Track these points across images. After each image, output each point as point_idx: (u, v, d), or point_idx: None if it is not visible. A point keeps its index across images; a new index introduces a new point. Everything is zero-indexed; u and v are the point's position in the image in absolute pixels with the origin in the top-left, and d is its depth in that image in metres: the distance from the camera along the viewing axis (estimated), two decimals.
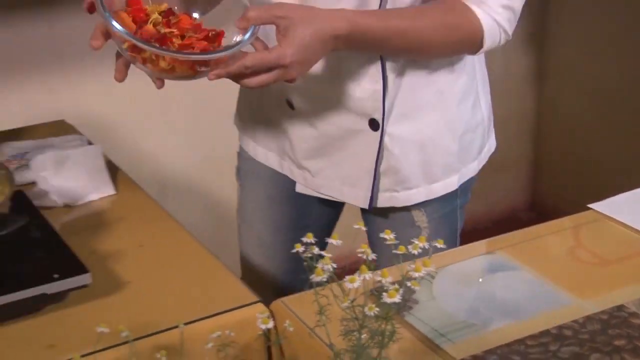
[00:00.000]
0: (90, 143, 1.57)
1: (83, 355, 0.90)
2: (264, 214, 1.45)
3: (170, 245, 1.30)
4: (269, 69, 1.08)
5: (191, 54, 1.07)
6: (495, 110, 1.39)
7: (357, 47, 1.16)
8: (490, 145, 1.42)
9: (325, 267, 0.81)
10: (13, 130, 1.62)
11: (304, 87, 1.27)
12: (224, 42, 1.11)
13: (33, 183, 1.39)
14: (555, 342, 0.99)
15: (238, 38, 1.10)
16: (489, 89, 1.40)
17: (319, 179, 1.34)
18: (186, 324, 1.00)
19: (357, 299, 0.80)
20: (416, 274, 0.79)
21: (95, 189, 1.40)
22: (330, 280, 0.82)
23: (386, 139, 1.27)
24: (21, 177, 1.37)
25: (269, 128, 1.37)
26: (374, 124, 1.26)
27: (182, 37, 1.10)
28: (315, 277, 0.80)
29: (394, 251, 0.85)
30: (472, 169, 1.37)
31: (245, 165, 1.45)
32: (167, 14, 1.12)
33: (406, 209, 1.33)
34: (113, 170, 1.47)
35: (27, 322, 1.08)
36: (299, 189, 1.37)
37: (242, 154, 1.46)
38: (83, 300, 1.11)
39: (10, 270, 1.10)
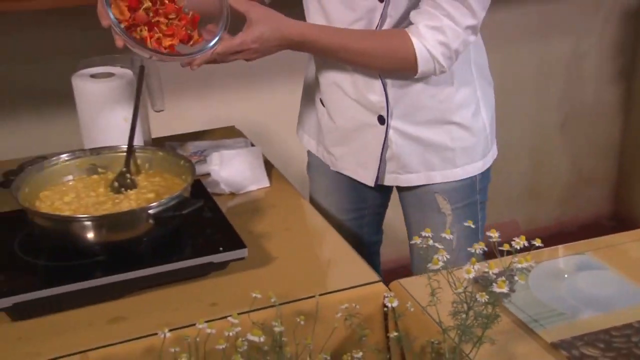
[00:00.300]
0: (252, 145, 1.59)
1: (239, 313, 0.90)
2: (329, 200, 1.47)
3: (310, 230, 1.29)
4: (234, 52, 1.13)
5: (171, 55, 1.10)
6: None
7: (309, 51, 1.22)
8: (494, 151, 1.39)
9: (440, 257, 0.77)
10: (195, 132, 1.65)
11: (331, 91, 1.33)
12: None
13: (208, 174, 1.41)
14: (638, 334, 0.91)
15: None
16: (493, 102, 1.38)
17: (341, 162, 1.39)
18: (320, 295, 0.98)
19: (468, 286, 0.76)
20: (519, 265, 0.75)
21: (254, 182, 1.41)
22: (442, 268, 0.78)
23: (390, 132, 1.30)
24: (199, 169, 1.39)
25: (311, 122, 1.44)
26: (381, 120, 1.29)
27: (168, 20, 1.12)
28: (432, 266, 0.77)
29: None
30: (476, 167, 1.34)
31: (312, 161, 1.51)
32: (156, 1, 1.12)
33: (431, 195, 1.34)
34: (269, 167, 1.47)
35: (196, 284, 1.09)
36: (331, 167, 1.42)
37: (309, 151, 1.50)
38: (240, 270, 1.11)
39: (187, 242, 1.12)
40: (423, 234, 0.84)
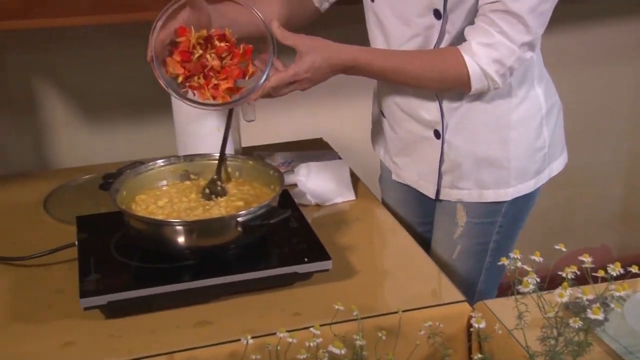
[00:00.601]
0: (339, 158, 1.59)
1: (321, 325, 0.90)
2: (398, 213, 1.45)
3: (394, 244, 1.28)
4: (288, 84, 1.14)
5: (222, 104, 1.12)
6: None
7: (361, 74, 1.20)
8: (552, 169, 1.34)
9: (530, 280, 0.75)
10: (283, 143, 1.67)
11: (388, 104, 1.34)
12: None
13: (294, 185, 1.42)
14: None
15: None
16: (557, 119, 1.33)
17: (403, 172, 1.39)
18: (404, 311, 0.97)
19: (558, 311, 0.73)
20: (617, 293, 0.72)
21: (339, 194, 1.41)
22: (532, 291, 0.76)
23: (445, 146, 1.29)
24: (286, 180, 1.40)
25: (379, 130, 1.45)
26: (437, 133, 1.29)
27: (221, 58, 1.12)
28: (522, 288, 0.75)
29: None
30: (529, 186, 1.30)
31: (383, 173, 1.51)
32: (207, 40, 1.13)
33: (454, 202, 1.32)
34: (355, 180, 1.47)
35: (280, 293, 1.10)
36: (394, 177, 1.42)
37: (381, 162, 1.51)
38: (324, 281, 1.12)
39: (273, 251, 1.13)
40: (512, 255, 0.82)
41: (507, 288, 0.84)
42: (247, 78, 1.15)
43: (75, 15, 1.43)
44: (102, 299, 1.01)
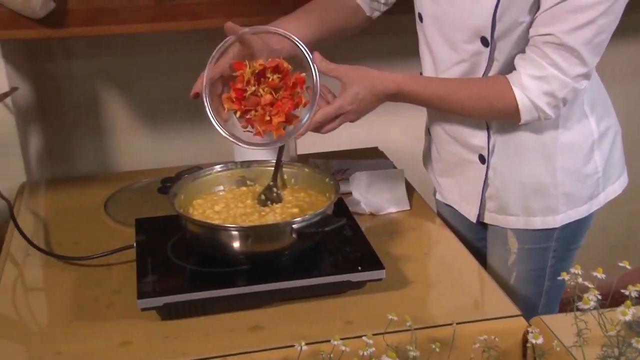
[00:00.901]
0: (394, 167, 1.58)
1: (374, 334, 0.90)
2: (455, 224, 1.43)
3: (448, 256, 1.27)
4: (334, 117, 1.13)
5: (269, 143, 1.13)
6: None
7: (406, 102, 1.19)
8: (608, 193, 1.29)
9: (590, 296, 0.73)
10: (339, 151, 1.67)
11: (434, 124, 1.34)
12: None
13: (349, 193, 1.42)
14: None
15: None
16: (618, 144, 1.29)
17: (446, 192, 1.38)
18: (458, 323, 0.96)
19: (620, 329, 0.71)
20: None
21: (394, 204, 1.40)
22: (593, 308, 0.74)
23: (490, 171, 1.27)
24: (342, 188, 1.40)
25: (426, 150, 1.45)
26: (482, 158, 1.27)
27: (275, 90, 1.13)
28: (582, 305, 0.72)
29: None
30: (580, 212, 1.26)
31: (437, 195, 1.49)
32: (260, 74, 1.13)
33: (504, 229, 1.29)
34: (410, 190, 1.46)
35: (333, 300, 1.10)
36: (438, 197, 1.42)
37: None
38: (377, 290, 1.11)
39: (327, 259, 1.13)
40: (572, 270, 0.79)
41: (566, 304, 0.81)
42: (299, 108, 1.15)
43: (140, 23, 1.46)
44: (158, 301, 1.03)
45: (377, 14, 1.37)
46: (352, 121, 1.16)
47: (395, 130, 1.96)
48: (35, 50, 1.68)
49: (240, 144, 1.13)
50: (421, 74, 1.31)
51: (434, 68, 1.26)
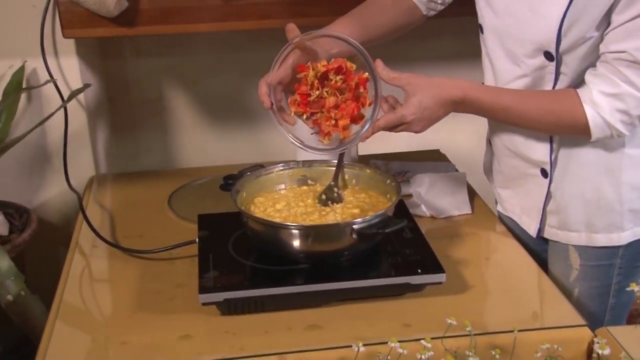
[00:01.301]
0: (456, 170, 1.56)
1: (433, 338, 0.88)
2: (517, 230, 1.37)
3: (510, 261, 1.24)
4: (396, 125, 1.12)
5: (335, 148, 1.15)
6: None
7: (471, 112, 1.15)
8: None
9: None
10: (400, 153, 1.66)
11: (495, 136, 1.29)
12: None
13: (410, 195, 1.41)
14: None
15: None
16: None
17: (506, 204, 1.35)
18: (520, 330, 0.93)
19: None
20: None
21: (455, 207, 1.38)
22: None
23: (552, 186, 1.23)
24: (402, 190, 1.39)
25: (487, 159, 1.42)
26: (544, 172, 1.23)
27: (339, 92, 1.12)
28: None
29: None
30: None
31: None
32: (323, 76, 1.12)
33: (565, 244, 1.24)
34: (472, 193, 1.44)
35: (391, 302, 1.09)
36: (499, 208, 1.38)
37: None
38: (436, 294, 1.10)
39: (386, 260, 1.13)
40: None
41: (635, 316, 0.78)
42: (364, 108, 1.15)
43: (208, 22, 1.48)
44: (219, 296, 1.04)
45: (433, 12, 1.35)
46: (416, 132, 1.14)
47: (458, 132, 1.93)
48: (107, 48, 1.73)
49: (306, 149, 1.15)
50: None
51: (494, 81, 1.23)
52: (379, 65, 1.12)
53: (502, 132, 1.27)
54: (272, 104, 1.14)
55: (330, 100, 1.13)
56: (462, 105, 1.14)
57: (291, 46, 1.13)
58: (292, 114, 1.16)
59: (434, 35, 1.80)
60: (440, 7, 1.35)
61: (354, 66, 1.14)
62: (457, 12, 1.34)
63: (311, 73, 1.14)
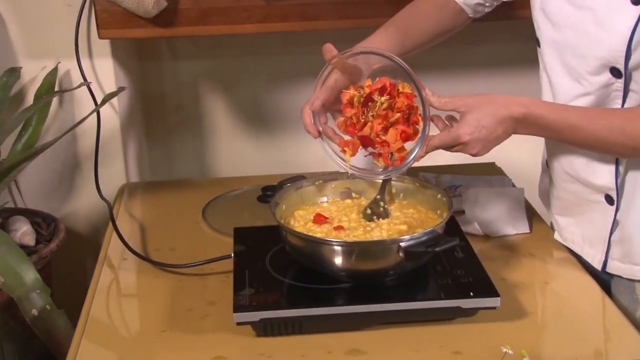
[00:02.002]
0: (513, 185, 1.54)
1: None
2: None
3: (572, 287, 1.21)
4: (451, 146, 1.09)
5: (392, 171, 1.15)
6: None
7: (533, 131, 1.12)
8: None
9: None
10: (451, 165, 1.64)
11: (553, 158, 1.25)
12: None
13: (462, 212, 1.39)
14: None
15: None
16: None
17: (566, 233, 1.30)
18: None
19: None
20: None
21: (512, 226, 1.36)
22: None
23: (619, 214, 1.18)
24: (454, 205, 1.38)
25: (543, 181, 1.38)
26: (609, 199, 1.18)
27: (386, 115, 1.10)
28: None
29: None
30: None
31: None
32: (367, 99, 1.11)
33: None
34: (530, 211, 1.42)
35: (440, 327, 1.07)
36: (556, 237, 1.32)
37: None
38: (489, 320, 1.08)
39: (435, 282, 1.11)
40: None
41: None
42: (418, 125, 1.14)
43: (249, 23, 1.49)
44: (255, 316, 1.04)
45: (479, 15, 1.34)
46: (475, 154, 1.11)
47: (515, 144, 1.90)
48: (143, 50, 1.75)
49: (361, 174, 1.16)
50: None
51: (552, 99, 1.19)
52: (428, 92, 1.11)
53: (561, 155, 1.23)
54: (319, 133, 1.15)
55: (377, 126, 1.12)
56: (523, 124, 1.11)
57: (330, 67, 1.14)
58: (347, 154, 1.15)
59: (482, 39, 1.78)
60: (488, 10, 1.33)
61: (397, 82, 1.13)
62: (508, 14, 1.32)
63: (356, 97, 1.13)
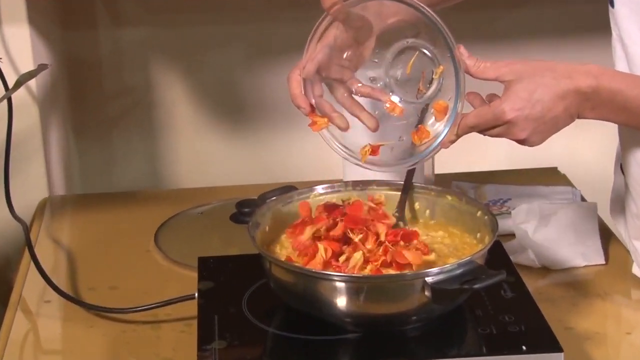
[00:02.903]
0: (583, 199, 1.55)
1: None
2: None
3: None
4: (492, 125, 1.10)
5: (408, 161, 1.18)
6: None
7: (604, 113, 1.13)
8: None
9: None
10: (497, 171, 1.66)
11: (632, 161, 1.26)
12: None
13: (512, 235, 1.41)
14: None
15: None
16: None
17: None
18: None
19: None
20: None
21: (581, 255, 1.38)
22: None
23: None
24: (500, 226, 1.39)
25: (617, 194, 1.40)
26: None
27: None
28: None
29: None
30: None
31: None
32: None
33: None
34: (607, 236, 1.43)
35: None
36: (634, 270, 1.34)
37: None
38: None
39: (475, 331, 1.12)
40: None
41: None
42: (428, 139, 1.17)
43: None
44: None
45: None
46: (522, 140, 1.12)
47: (584, 142, 1.92)
48: (72, 14, 1.76)
49: (367, 166, 1.18)
50: None
51: (628, 72, 1.22)
52: (463, 53, 1.12)
53: None
54: (312, 108, 1.16)
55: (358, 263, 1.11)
56: (592, 102, 1.12)
57: (329, 18, 1.15)
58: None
59: (528, 1, 1.80)
60: None
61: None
62: None
63: (307, 232, 1.14)
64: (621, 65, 1.24)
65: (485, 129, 1.13)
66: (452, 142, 1.14)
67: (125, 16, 1.79)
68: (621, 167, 1.35)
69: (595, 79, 1.11)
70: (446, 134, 1.14)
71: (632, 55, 1.21)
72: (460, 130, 1.13)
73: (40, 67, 1.55)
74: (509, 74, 1.11)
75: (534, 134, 1.11)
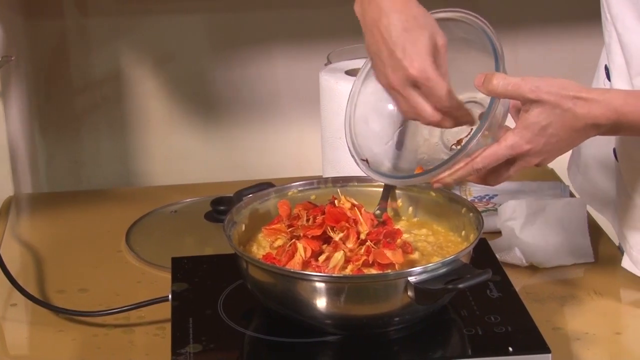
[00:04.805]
0: (572, 195, 1.56)
1: None
2: None
3: None
4: (507, 163, 1.10)
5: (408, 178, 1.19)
6: None
7: (622, 134, 1.17)
8: None
9: None
10: None
11: (634, 151, 1.27)
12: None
13: (498, 232, 1.42)
14: None
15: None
16: None
17: (636, 252, 1.31)
18: None
19: None
20: None
21: (570, 252, 1.39)
22: None
23: None
24: (486, 223, 1.40)
25: (604, 181, 1.42)
26: None
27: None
28: None
29: None
30: None
31: None
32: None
33: None
34: (597, 233, 1.44)
35: None
36: (624, 264, 1.34)
37: None
38: None
39: (458, 332, 1.13)
40: None
41: None
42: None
43: None
44: None
45: None
46: (536, 165, 1.13)
47: None
48: (36, 3, 1.76)
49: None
50: (606, 70, 1.30)
51: (624, 65, 1.23)
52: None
53: None
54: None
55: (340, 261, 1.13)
56: (611, 130, 1.12)
57: None
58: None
59: None
60: None
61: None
62: None
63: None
64: (615, 53, 1.24)
65: (494, 169, 1.12)
66: (446, 184, 1.15)
67: (93, 5, 1.78)
68: (614, 154, 1.35)
69: (616, 111, 1.10)
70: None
71: (627, 44, 1.21)
72: (462, 173, 1.12)
73: (3, 60, 1.55)
74: (531, 93, 1.08)
75: (545, 160, 1.13)
